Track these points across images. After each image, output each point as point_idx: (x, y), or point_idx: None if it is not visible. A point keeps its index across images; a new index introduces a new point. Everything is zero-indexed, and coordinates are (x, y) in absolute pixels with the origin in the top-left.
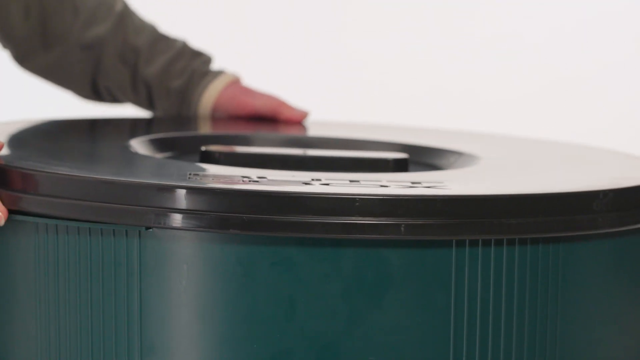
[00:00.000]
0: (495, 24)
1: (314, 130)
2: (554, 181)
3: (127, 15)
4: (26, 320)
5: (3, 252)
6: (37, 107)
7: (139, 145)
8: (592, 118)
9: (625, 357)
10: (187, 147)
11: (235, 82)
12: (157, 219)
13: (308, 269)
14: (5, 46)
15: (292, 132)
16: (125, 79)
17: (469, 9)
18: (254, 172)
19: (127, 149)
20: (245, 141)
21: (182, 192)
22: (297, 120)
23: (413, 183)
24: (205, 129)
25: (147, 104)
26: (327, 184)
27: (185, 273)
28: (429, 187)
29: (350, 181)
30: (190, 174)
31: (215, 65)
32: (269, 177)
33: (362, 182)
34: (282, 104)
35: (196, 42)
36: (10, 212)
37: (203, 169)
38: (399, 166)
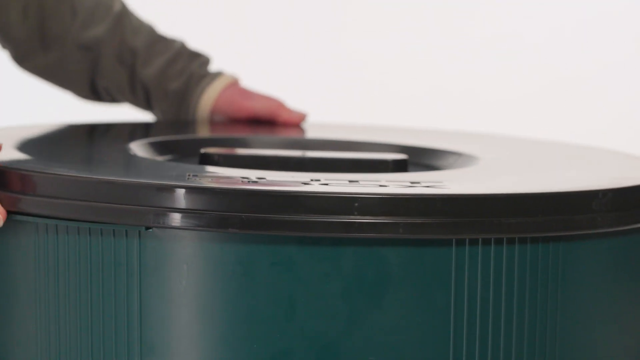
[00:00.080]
0: (495, 24)
1: (312, 132)
2: (553, 181)
3: (125, 16)
4: (26, 320)
5: (3, 253)
6: (37, 107)
7: (138, 148)
8: (592, 118)
9: (625, 357)
10: (187, 150)
11: (234, 83)
12: (157, 218)
13: (308, 269)
14: (4, 46)
15: (291, 134)
16: (123, 80)
17: (469, 9)
18: (253, 174)
19: (126, 151)
20: (245, 144)
21: (182, 191)
22: (296, 122)
23: (412, 183)
24: (204, 131)
25: (146, 105)
26: (326, 184)
27: (185, 273)
28: (428, 186)
29: (350, 181)
30: (189, 174)
31: (214, 66)
32: (268, 178)
33: (361, 182)
34: (281, 106)
35: (196, 43)
36: (10, 212)
37: (202, 170)
38: (398, 167)
